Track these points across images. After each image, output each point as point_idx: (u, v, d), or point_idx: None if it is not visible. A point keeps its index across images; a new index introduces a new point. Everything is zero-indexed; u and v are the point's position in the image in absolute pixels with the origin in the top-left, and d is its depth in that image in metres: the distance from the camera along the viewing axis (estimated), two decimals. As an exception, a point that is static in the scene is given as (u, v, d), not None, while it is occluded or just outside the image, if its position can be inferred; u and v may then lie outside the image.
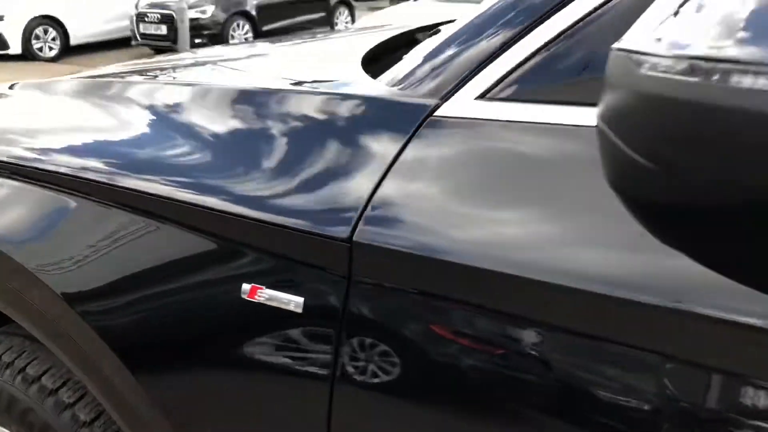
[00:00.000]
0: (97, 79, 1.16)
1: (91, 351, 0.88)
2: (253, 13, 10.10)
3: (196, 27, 9.35)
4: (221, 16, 9.69)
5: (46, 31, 9.67)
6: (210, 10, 9.66)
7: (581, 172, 0.59)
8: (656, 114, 0.45)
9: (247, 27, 10.05)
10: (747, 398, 0.52)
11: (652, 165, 0.48)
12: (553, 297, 0.58)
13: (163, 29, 9.58)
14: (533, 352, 0.61)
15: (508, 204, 0.62)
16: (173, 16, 9.27)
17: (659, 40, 0.45)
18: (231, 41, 9.75)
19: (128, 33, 10.08)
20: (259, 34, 10.13)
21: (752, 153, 0.39)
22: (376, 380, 0.69)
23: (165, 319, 0.84)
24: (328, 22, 11.42)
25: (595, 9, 0.66)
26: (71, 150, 0.94)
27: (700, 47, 0.41)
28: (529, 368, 0.61)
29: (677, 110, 0.42)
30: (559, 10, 0.67)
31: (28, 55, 9.37)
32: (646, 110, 0.46)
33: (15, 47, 9.32)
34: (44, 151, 0.97)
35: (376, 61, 0.98)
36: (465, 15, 0.83)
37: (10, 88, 1.34)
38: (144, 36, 9.83)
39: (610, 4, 0.65)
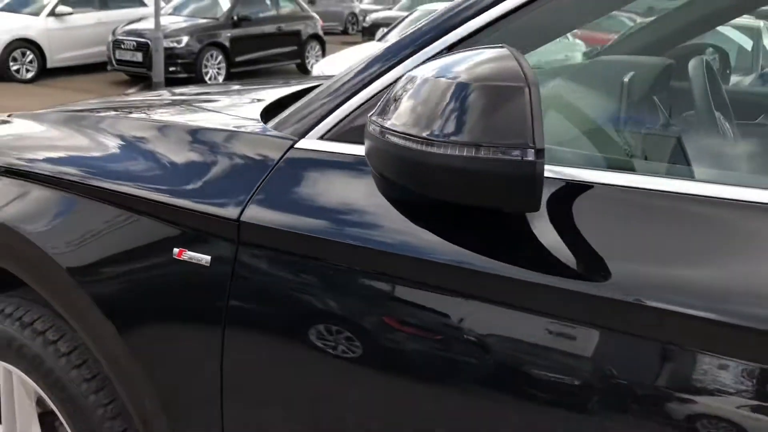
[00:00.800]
0: (76, 113, 1.58)
1: (85, 310, 1.27)
2: (227, 44, 10.57)
3: (171, 56, 9.79)
4: (196, 47, 10.14)
5: (23, 54, 10.03)
6: (185, 40, 10.11)
7: (365, 182, 1.03)
8: (378, 152, 0.89)
9: (220, 57, 10.52)
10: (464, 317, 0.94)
11: (382, 177, 0.93)
12: (354, 252, 1.00)
13: (139, 56, 10.00)
14: (363, 296, 1.02)
15: (325, 201, 1.06)
16: (149, 45, 9.71)
17: (380, 112, 0.90)
18: (204, 70, 10.20)
19: (104, 58, 10.47)
20: (232, 65, 10.60)
21: (402, 172, 0.84)
22: (255, 316, 1.11)
23: (130, 280, 1.23)
24: (299, 56, 11.93)
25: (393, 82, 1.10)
26: (65, 161, 1.35)
27: (383, 120, 0.86)
28: (362, 309, 1.02)
29: (381, 151, 0.87)
30: (372, 82, 1.11)
31: (5, 76, 9.70)
32: (374, 149, 0.90)
33: (-8, 68, 9.69)
34: (47, 159, 1.38)
35: (280, 106, 1.42)
36: (334, 76, 1.27)
37: (9, 116, 1.76)
38: (120, 62, 10.23)
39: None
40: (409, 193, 0.92)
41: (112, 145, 1.34)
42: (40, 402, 1.44)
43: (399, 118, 0.85)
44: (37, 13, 10.41)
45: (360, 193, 1.03)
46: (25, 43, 10.03)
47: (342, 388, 1.05)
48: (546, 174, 0.81)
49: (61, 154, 1.38)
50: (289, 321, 1.08)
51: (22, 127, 1.63)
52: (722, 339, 0.76)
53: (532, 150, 0.74)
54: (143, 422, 1.27)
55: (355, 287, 1.01)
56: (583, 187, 0.89)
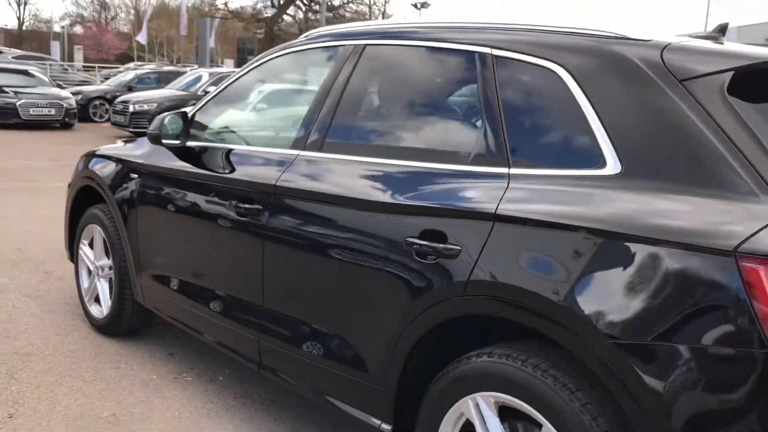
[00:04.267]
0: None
1: (114, 206, 3.54)
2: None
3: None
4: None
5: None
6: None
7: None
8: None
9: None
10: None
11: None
12: (156, 169, 3.21)
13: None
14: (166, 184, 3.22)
15: (153, 149, 3.27)
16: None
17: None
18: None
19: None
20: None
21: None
22: (144, 201, 3.35)
23: (122, 189, 3.51)
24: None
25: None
26: (123, 153, 3.75)
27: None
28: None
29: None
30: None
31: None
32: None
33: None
34: (118, 151, 3.78)
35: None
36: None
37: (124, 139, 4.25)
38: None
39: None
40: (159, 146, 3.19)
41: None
42: (106, 243, 3.78)
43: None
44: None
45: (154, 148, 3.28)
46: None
47: (186, 238, 3.23)
48: (193, 144, 3.07)
49: (126, 150, 3.74)
50: (156, 202, 3.31)
51: (122, 145, 4.05)
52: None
53: (158, 132, 3.03)
54: (131, 267, 3.51)
55: (163, 183, 3.23)
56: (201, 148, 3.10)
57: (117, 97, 16.45)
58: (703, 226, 1.55)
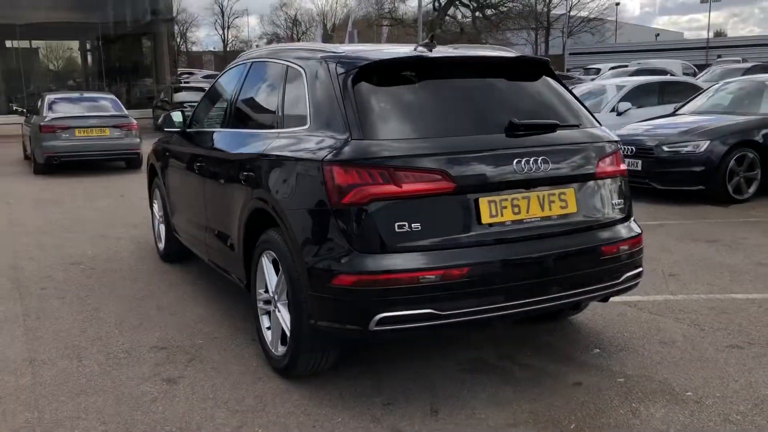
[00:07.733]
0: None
1: (158, 171, 5.59)
2: (761, 141, 8.14)
3: (681, 161, 8.05)
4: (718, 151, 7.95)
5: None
6: (703, 145, 8.04)
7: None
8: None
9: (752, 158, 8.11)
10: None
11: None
12: (183, 152, 5.10)
13: (638, 164, 8.25)
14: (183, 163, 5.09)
15: (175, 142, 5.18)
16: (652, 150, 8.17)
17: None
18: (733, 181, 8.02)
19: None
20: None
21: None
22: (169, 168, 5.35)
23: (163, 163, 5.47)
24: None
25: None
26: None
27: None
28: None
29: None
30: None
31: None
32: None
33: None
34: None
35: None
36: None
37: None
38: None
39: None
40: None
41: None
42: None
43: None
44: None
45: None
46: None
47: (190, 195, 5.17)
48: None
49: (167, 140, 5.74)
50: (175, 170, 5.23)
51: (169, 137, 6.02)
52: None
53: (161, 123, 4.97)
54: (169, 213, 5.52)
55: (175, 156, 5.20)
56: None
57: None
58: (321, 150, 3.07)
